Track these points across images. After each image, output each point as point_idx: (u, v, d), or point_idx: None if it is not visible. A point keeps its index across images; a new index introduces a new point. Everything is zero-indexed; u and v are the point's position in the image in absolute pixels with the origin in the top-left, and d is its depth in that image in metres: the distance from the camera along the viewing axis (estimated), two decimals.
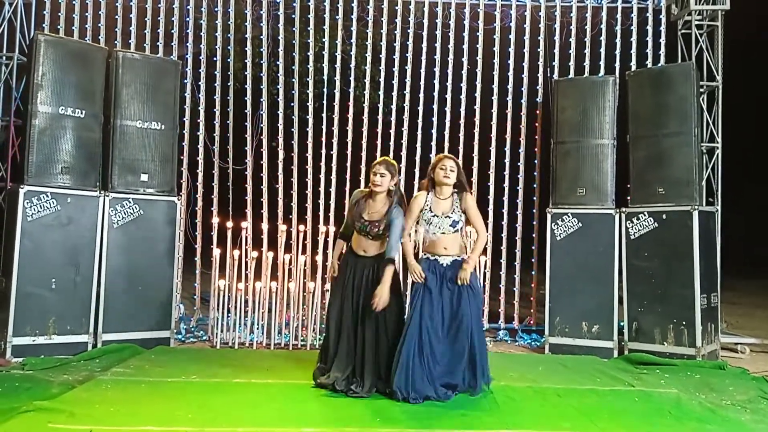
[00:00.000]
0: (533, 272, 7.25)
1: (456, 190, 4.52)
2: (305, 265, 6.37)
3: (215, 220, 6.60)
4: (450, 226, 4.45)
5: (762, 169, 17.18)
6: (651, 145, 6.07)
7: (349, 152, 7.17)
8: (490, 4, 7.26)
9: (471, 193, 4.60)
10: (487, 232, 5.06)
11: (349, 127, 7.20)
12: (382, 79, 7.37)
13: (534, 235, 7.17)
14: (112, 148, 5.79)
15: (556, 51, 7.23)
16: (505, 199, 7.18)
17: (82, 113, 5.60)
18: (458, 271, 4.36)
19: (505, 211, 7.19)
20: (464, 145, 7.21)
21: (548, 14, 7.26)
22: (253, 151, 7.16)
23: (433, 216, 4.47)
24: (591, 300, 6.06)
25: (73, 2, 6.85)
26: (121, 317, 5.66)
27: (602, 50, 7.14)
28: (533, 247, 7.19)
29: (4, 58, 6.37)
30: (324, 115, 7.18)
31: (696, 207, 5.75)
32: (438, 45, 7.25)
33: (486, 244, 4.59)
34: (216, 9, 7.17)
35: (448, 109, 7.22)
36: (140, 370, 4.88)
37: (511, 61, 7.23)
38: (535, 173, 7.24)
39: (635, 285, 6.00)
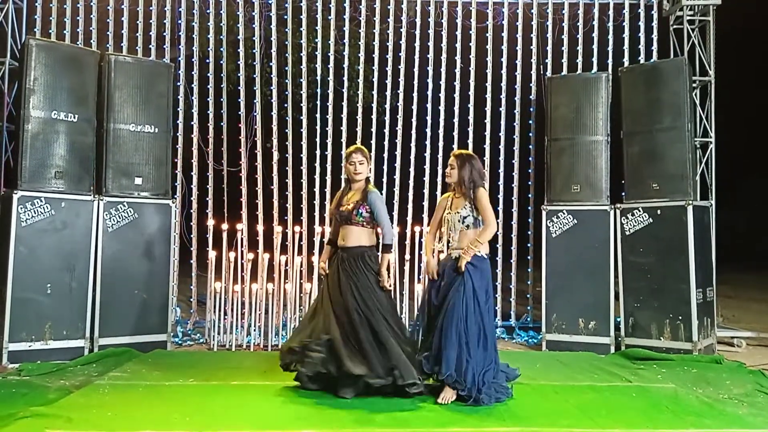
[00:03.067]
0: (529, 269, 7.26)
1: (470, 187, 4.45)
2: (301, 266, 6.37)
3: (210, 222, 6.59)
4: (459, 221, 4.44)
5: (756, 163, 17.26)
6: (645, 141, 6.08)
7: (343, 152, 7.14)
8: (482, 2, 7.26)
9: (484, 188, 4.51)
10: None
11: (344, 127, 7.19)
12: (375, 79, 7.38)
13: (529, 233, 7.18)
14: (105, 151, 5.77)
15: (549, 48, 7.24)
16: (500, 196, 7.19)
17: (74, 117, 5.58)
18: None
19: (500, 208, 7.19)
20: (458, 143, 7.21)
21: (540, 12, 7.27)
22: (248, 152, 7.14)
23: (447, 213, 4.54)
24: (587, 296, 6.07)
25: (65, 6, 6.82)
26: (118, 321, 5.65)
27: (595, 47, 7.15)
28: (529, 245, 7.19)
29: None
30: (318, 115, 7.17)
31: (690, 202, 5.77)
32: (431, 44, 7.26)
33: (491, 235, 4.41)
34: (208, 11, 7.16)
35: (441, 108, 7.22)
36: (137, 374, 4.87)
37: (504, 59, 7.24)
38: (530, 170, 7.25)
39: (631, 281, 6.01)
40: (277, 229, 6.48)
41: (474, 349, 4.18)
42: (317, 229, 6.63)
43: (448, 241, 4.59)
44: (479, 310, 4.25)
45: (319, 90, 7.30)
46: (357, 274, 4.46)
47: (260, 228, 6.82)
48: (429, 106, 7.22)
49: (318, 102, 7.22)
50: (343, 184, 4.85)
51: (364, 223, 4.54)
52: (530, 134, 7.27)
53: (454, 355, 4.16)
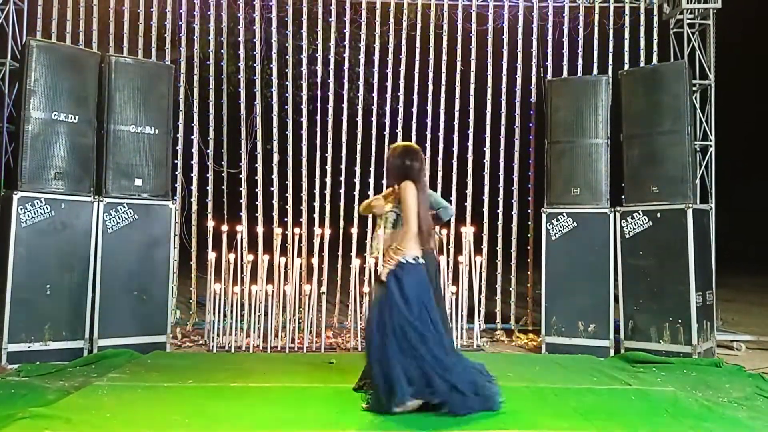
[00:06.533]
0: (529, 272, 7.26)
1: (396, 181, 4.13)
2: (301, 268, 6.37)
3: (210, 223, 6.58)
4: (384, 217, 4.15)
5: (757, 166, 17.27)
6: (645, 144, 6.08)
7: (343, 154, 7.17)
8: (482, 5, 7.27)
9: (413, 182, 4.02)
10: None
11: (344, 129, 7.20)
12: (375, 81, 7.38)
13: (529, 235, 7.18)
14: (105, 153, 5.77)
15: (549, 51, 7.25)
16: (500, 199, 7.20)
17: (75, 118, 5.58)
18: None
19: (500, 211, 7.20)
20: (459, 145, 7.22)
21: (541, 14, 7.28)
22: (248, 154, 7.15)
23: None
24: (587, 299, 6.06)
25: (66, 7, 6.82)
26: (117, 322, 5.64)
27: (595, 50, 7.16)
28: (528, 248, 7.20)
29: None
30: (318, 117, 7.18)
31: (690, 205, 5.77)
32: (431, 46, 7.26)
33: (410, 237, 3.95)
34: (209, 13, 7.17)
35: (442, 111, 7.23)
36: (136, 375, 4.86)
37: (504, 62, 7.25)
38: (530, 173, 7.25)
39: (631, 283, 6.01)
40: (277, 230, 6.48)
41: (426, 353, 3.88)
42: (317, 231, 6.63)
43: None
44: (413, 317, 3.91)
45: (319, 92, 7.30)
46: None
47: (260, 229, 6.83)
48: (429, 108, 7.23)
49: (318, 104, 7.23)
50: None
51: None
52: (530, 137, 7.28)
53: (400, 372, 3.85)
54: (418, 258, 4.04)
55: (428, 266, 4.33)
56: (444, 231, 6.77)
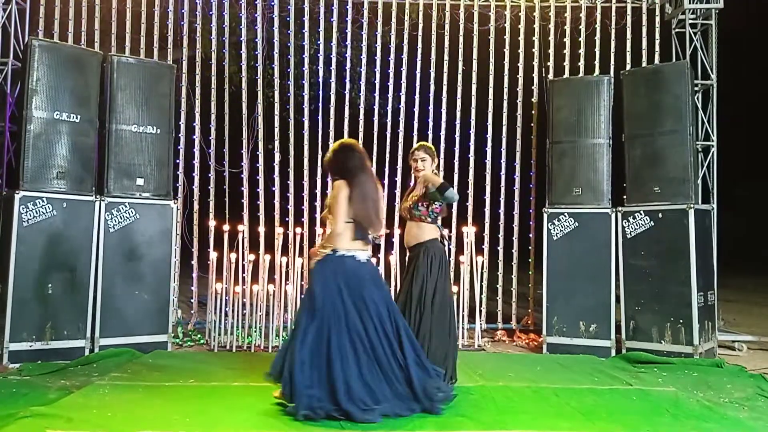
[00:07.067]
0: (530, 272, 7.25)
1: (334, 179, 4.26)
2: (302, 268, 6.37)
3: (212, 223, 6.58)
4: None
5: (758, 166, 17.25)
6: (646, 144, 6.08)
7: None
8: (484, 4, 7.27)
9: (346, 180, 4.10)
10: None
11: (345, 129, 7.20)
12: (377, 81, 7.38)
13: (531, 235, 7.18)
14: (107, 152, 5.77)
15: (551, 51, 7.25)
16: (502, 199, 7.20)
17: (77, 118, 5.59)
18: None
19: (501, 211, 7.20)
20: (460, 145, 7.22)
21: (543, 14, 7.28)
22: (249, 154, 7.16)
23: None
24: (588, 299, 6.06)
25: (68, 7, 6.84)
26: (118, 322, 5.64)
27: (597, 50, 7.16)
28: (530, 247, 7.20)
29: None
30: (320, 117, 7.18)
31: (692, 205, 5.76)
32: (433, 46, 7.26)
33: (335, 235, 4.04)
34: (211, 12, 7.18)
35: (443, 110, 7.23)
36: (137, 374, 4.87)
37: (506, 62, 7.25)
38: (532, 173, 7.25)
39: (632, 284, 6.00)
40: (279, 230, 6.49)
41: (301, 363, 3.88)
42: (318, 230, 6.63)
43: None
44: (315, 315, 3.96)
45: (321, 92, 7.30)
46: (417, 269, 4.49)
47: (261, 229, 6.83)
48: (431, 108, 7.23)
49: (320, 104, 7.23)
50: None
51: (422, 218, 4.57)
52: (532, 137, 7.28)
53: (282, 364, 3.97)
54: (344, 253, 4.07)
55: (417, 259, 4.50)
56: (445, 231, 6.78)
